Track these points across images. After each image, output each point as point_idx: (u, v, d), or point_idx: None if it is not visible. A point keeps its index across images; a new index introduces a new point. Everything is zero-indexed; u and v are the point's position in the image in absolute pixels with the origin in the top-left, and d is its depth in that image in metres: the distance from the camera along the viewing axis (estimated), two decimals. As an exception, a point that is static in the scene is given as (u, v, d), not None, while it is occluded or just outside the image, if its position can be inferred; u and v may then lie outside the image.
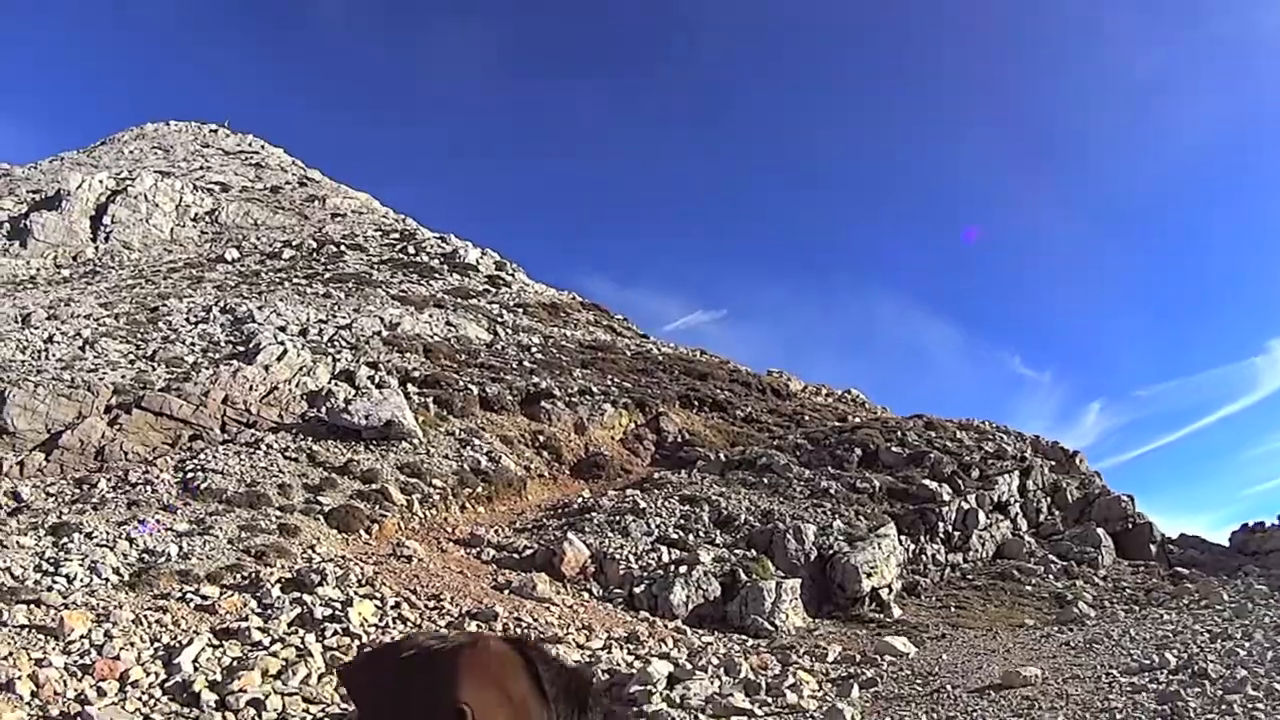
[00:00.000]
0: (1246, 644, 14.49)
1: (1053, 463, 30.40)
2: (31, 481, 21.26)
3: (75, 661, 12.48)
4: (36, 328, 31.53)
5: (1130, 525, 27.08)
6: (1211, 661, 13.26)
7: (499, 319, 40.36)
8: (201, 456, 22.74)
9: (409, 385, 29.56)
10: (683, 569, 19.81)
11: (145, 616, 14.32)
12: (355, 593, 16.62)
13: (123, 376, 27.26)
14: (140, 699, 11.89)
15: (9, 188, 56.23)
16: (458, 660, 1.49)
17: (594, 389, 32.35)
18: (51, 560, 16.22)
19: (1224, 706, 10.78)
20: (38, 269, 45.37)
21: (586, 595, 19.46)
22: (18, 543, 16.81)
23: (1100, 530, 25.83)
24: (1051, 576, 23.12)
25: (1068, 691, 12.50)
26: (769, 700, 13.36)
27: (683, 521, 22.92)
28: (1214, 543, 29.01)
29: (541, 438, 29.19)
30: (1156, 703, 11.34)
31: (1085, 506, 28.12)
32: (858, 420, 33.48)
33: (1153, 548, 26.25)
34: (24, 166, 65.07)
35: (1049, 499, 28.20)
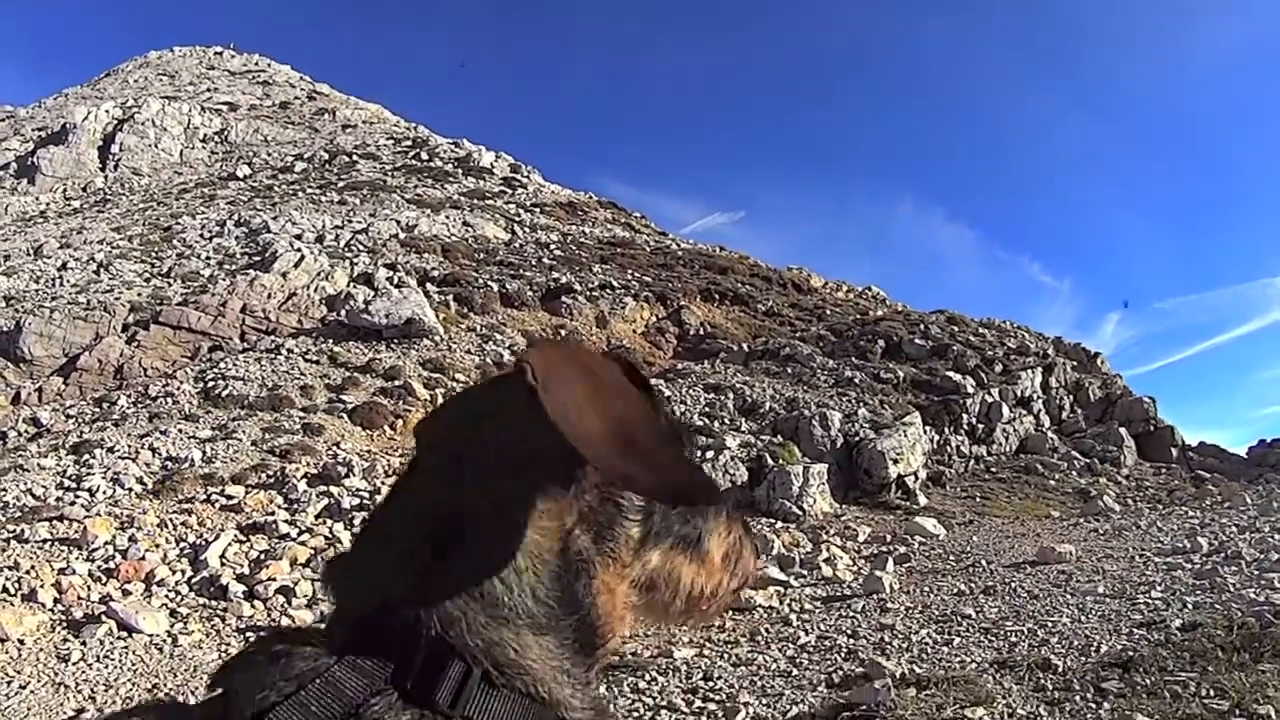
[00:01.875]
0: (1277, 535, 14.53)
1: (1075, 363, 30.35)
2: (51, 406, 21.20)
3: (99, 567, 12.43)
4: (49, 257, 31.30)
5: (1152, 428, 27.07)
6: (1244, 545, 13.32)
7: (516, 218, 40.06)
8: (222, 366, 22.64)
9: (428, 285, 29.41)
10: (709, 454, 19.84)
11: (170, 519, 14.33)
12: (382, 482, 16.61)
13: (139, 295, 27.12)
14: (167, 596, 11.92)
15: (14, 128, 55.41)
16: (529, 356, 1.23)
17: (614, 283, 32.22)
18: (73, 477, 16.05)
19: (1263, 581, 10.81)
20: (47, 204, 45.04)
21: (615, 485, 19.46)
22: (38, 465, 16.67)
23: (1123, 430, 25.86)
24: (1075, 473, 23.17)
25: (1104, 568, 12.57)
26: (804, 573, 13.49)
27: (708, 409, 22.93)
28: (1233, 453, 29.07)
29: (563, 332, 29.13)
30: (1194, 578, 11.39)
31: (1107, 407, 28.12)
32: (880, 314, 33.39)
33: (1174, 451, 26.26)
34: (28, 107, 63.97)
35: (1071, 397, 28.18)
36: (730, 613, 11.22)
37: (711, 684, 8.28)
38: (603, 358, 1.37)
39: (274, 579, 12.50)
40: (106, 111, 52.74)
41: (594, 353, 1.37)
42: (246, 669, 1.20)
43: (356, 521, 14.78)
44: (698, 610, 1.53)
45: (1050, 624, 9.33)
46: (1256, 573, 11.40)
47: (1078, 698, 6.98)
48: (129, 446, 17.62)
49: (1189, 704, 6.56)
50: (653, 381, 1.41)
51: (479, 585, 1.25)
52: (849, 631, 9.70)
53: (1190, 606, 9.71)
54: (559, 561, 1.30)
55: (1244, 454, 27.83)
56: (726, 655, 9.26)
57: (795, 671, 8.53)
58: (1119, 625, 9.13)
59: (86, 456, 17.07)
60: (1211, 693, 6.75)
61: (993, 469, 23.59)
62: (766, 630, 10.06)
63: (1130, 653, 7.92)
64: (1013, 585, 11.66)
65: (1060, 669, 7.68)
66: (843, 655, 8.84)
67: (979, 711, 6.80)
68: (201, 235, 34.13)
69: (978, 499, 21.14)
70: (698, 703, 7.85)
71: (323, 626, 1.31)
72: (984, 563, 13.48)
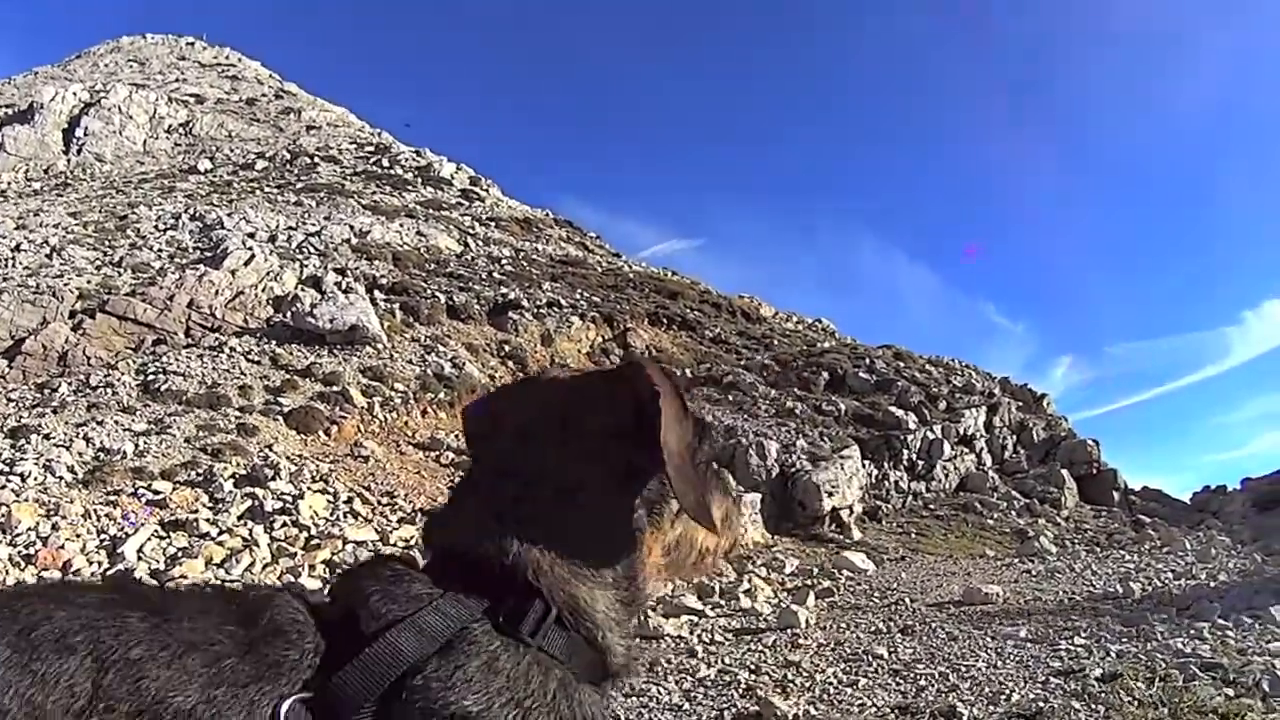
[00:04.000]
0: (1213, 583, 14.16)
1: (1020, 403, 30.18)
2: None
3: (20, 552, 12.40)
4: (4, 238, 30.70)
5: (1095, 471, 26.92)
6: (1177, 594, 12.91)
7: (471, 231, 39.64)
8: (164, 360, 22.15)
9: (376, 292, 28.95)
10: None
11: (95, 510, 14.12)
12: (308, 488, 16.20)
13: (88, 282, 26.70)
14: (79, 586, 11.46)
15: None
16: (644, 368, 1.63)
17: (563, 302, 31.73)
18: (7, 461, 15.93)
19: (1192, 631, 10.36)
20: (9, 183, 44.42)
21: (546, 501, 18.96)
22: None
23: (1065, 472, 25.62)
24: (1014, 513, 22.89)
25: (1030, 610, 12.11)
26: (722, 603, 12.92)
27: (645, 433, 22.38)
28: (1175, 498, 29.05)
29: (507, 347, 28.58)
30: (1121, 625, 10.92)
31: (1051, 448, 27.92)
32: (826, 346, 33.05)
33: (1115, 494, 26.17)
34: None
35: (1015, 437, 27.95)
36: (636, 640, 10.63)
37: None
38: (672, 379, 1.64)
39: (186, 576, 12.36)
40: (74, 94, 52.14)
41: (676, 375, 1.76)
42: (370, 582, 1.51)
43: (277, 526, 14.69)
44: (704, 564, 1.86)
45: (964, 668, 8.80)
46: (1186, 621, 10.95)
47: (979, 750, 6.43)
48: (65, 435, 17.51)
49: (1096, 762, 6.05)
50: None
51: (568, 544, 1.56)
52: (752, 666, 9.09)
53: (1113, 655, 9.22)
54: (629, 534, 1.64)
55: (1187, 499, 27.77)
56: (619, 685, 8.65)
57: (687, 705, 7.92)
58: (1035, 672, 8.61)
59: (22, 442, 16.98)
60: (1124, 750, 6.24)
61: (931, 506, 23.25)
62: (668, 661, 9.44)
63: (1041, 703, 7.39)
64: (933, 625, 11.14)
65: (965, 718, 7.13)
66: (740, 692, 8.23)
67: (871, 761, 6.25)
68: (156, 227, 33.54)
69: (913, 535, 20.76)
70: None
71: (425, 563, 1.61)
72: (907, 600, 12.99)
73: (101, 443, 17.30)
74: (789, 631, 10.94)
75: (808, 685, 8.41)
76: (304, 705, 1.33)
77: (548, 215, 48.16)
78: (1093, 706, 7.27)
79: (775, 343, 33.43)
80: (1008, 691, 7.95)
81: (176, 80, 64.45)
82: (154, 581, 12.04)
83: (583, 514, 1.59)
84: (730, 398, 25.56)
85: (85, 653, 1.25)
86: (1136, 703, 7.53)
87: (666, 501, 1.67)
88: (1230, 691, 8.00)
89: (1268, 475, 32.03)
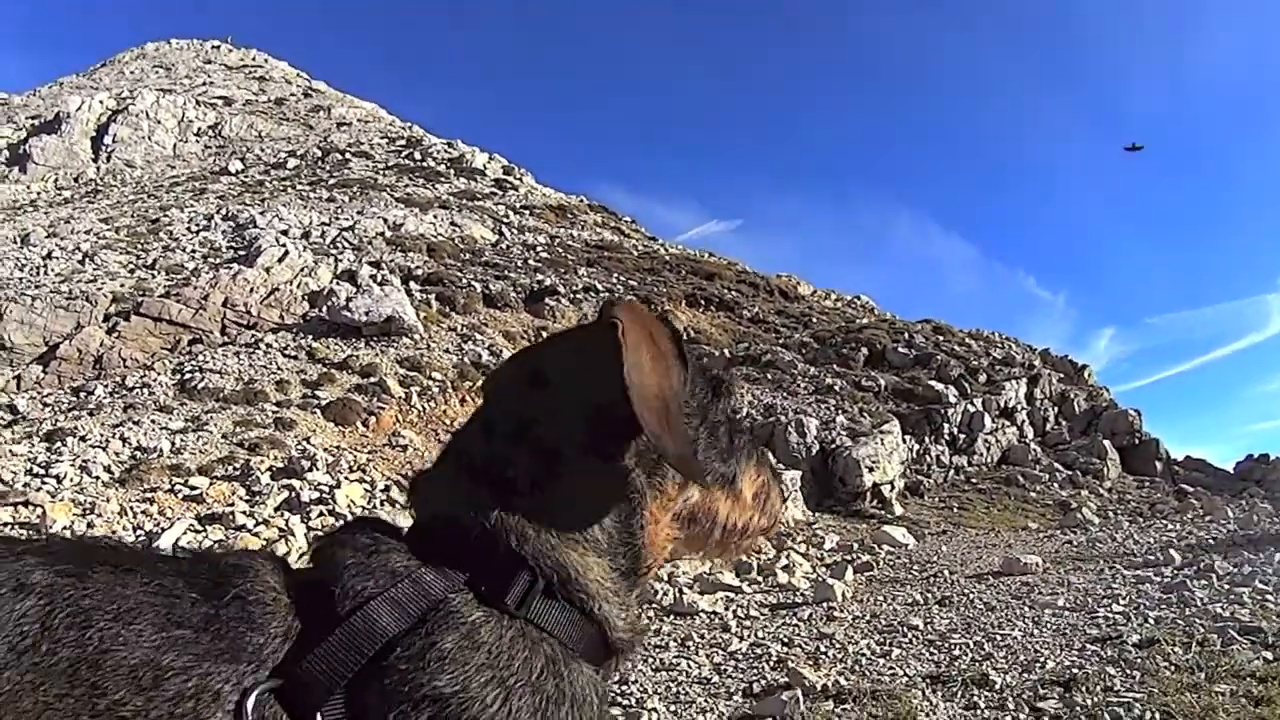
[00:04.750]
0: (1253, 549, 13.96)
1: (1061, 374, 29.83)
2: (29, 394, 21.07)
3: None
4: (35, 246, 31.18)
5: (1137, 441, 26.58)
6: (1218, 560, 12.73)
7: (505, 220, 39.68)
8: (200, 359, 22.35)
9: (411, 283, 29.06)
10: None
11: (131, 507, 14.20)
12: (345, 478, 16.32)
13: (122, 285, 27.06)
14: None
15: (8, 115, 55.53)
16: (616, 305, 1.56)
17: (599, 286, 31.72)
18: (43, 464, 16.06)
19: (1232, 596, 10.21)
20: (39, 193, 44.95)
21: (585, 483, 18.97)
22: (11, 451, 16.65)
23: (1107, 443, 25.32)
24: (1056, 485, 22.65)
25: (1069, 579, 11.99)
26: (759, 579, 12.92)
27: (682, 413, 22.35)
28: (1219, 467, 28.67)
29: (545, 334, 28.57)
30: (1162, 591, 10.80)
31: (1092, 419, 27.59)
32: (865, 322, 32.84)
33: (1158, 464, 25.84)
34: (23, 94, 64.00)
35: (1056, 409, 27.65)
36: (670, 616, 10.65)
37: (624, 687, 7.71)
38: (660, 323, 1.60)
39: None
40: (101, 102, 52.63)
41: (657, 318, 1.63)
42: (347, 553, 1.43)
43: (314, 516, 14.75)
44: (732, 543, 1.78)
45: (999, 637, 8.75)
46: (1227, 587, 10.80)
47: (1009, 718, 6.39)
48: (101, 435, 17.63)
49: (1128, 727, 6.00)
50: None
51: (553, 509, 1.49)
52: (785, 640, 9.10)
53: (1151, 621, 9.13)
54: (622, 495, 1.55)
55: (1230, 469, 27.40)
56: (651, 660, 8.68)
57: (717, 679, 7.94)
58: (1072, 640, 8.54)
59: (58, 444, 17.13)
60: (1158, 716, 6.17)
61: (973, 479, 23.06)
62: (700, 636, 9.47)
63: (1075, 670, 7.33)
64: (970, 596, 11.07)
65: (998, 685, 7.08)
66: (771, 664, 8.24)
67: (896, 729, 6.23)
68: (189, 229, 33.85)
69: (955, 509, 20.61)
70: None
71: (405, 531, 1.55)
72: (946, 573, 12.92)
73: (138, 442, 17.42)
74: (825, 605, 10.92)
75: (840, 657, 8.41)
76: (273, 695, 1.26)
77: (582, 201, 48.13)
78: (1129, 672, 7.20)
79: (814, 320, 33.28)
80: (1043, 659, 7.90)
81: (204, 84, 64.89)
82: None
83: (567, 474, 1.50)
84: (769, 376, 25.49)
85: (40, 596, 1.23)
86: (1173, 667, 7.45)
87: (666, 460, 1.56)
88: (1269, 655, 7.89)
89: (1315, 442, 31.48)
